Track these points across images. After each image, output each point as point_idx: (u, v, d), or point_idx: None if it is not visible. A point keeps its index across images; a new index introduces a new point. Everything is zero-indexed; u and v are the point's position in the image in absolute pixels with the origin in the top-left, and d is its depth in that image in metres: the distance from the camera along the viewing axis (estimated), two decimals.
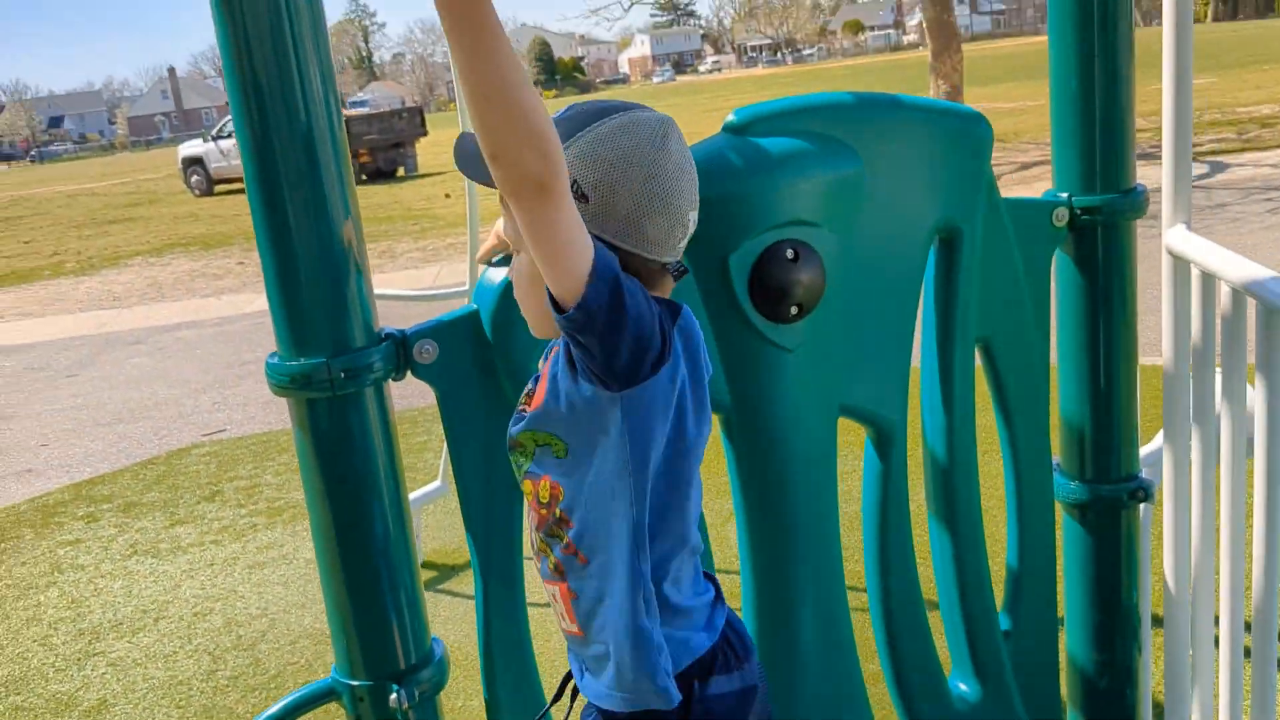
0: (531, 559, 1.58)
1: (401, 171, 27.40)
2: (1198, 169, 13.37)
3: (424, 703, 1.73)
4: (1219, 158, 14.24)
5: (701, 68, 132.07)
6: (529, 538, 1.57)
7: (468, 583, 3.99)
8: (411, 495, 4.46)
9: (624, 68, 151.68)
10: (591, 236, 1.26)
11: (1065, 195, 2.12)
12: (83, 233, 21.83)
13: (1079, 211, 2.10)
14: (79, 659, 4.07)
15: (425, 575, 4.43)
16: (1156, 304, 2.13)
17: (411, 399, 6.33)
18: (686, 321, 1.42)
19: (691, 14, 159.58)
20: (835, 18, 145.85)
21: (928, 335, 2.10)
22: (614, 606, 1.44)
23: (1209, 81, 24.76)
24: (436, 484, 4.52)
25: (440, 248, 14.69)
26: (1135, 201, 2.07)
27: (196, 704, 3.62)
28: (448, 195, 20.50)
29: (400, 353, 1.69)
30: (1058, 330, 2.23)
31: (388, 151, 27.19)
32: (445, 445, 1.72)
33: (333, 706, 1.77)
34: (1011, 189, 12.01)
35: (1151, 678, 2.47)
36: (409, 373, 1.71)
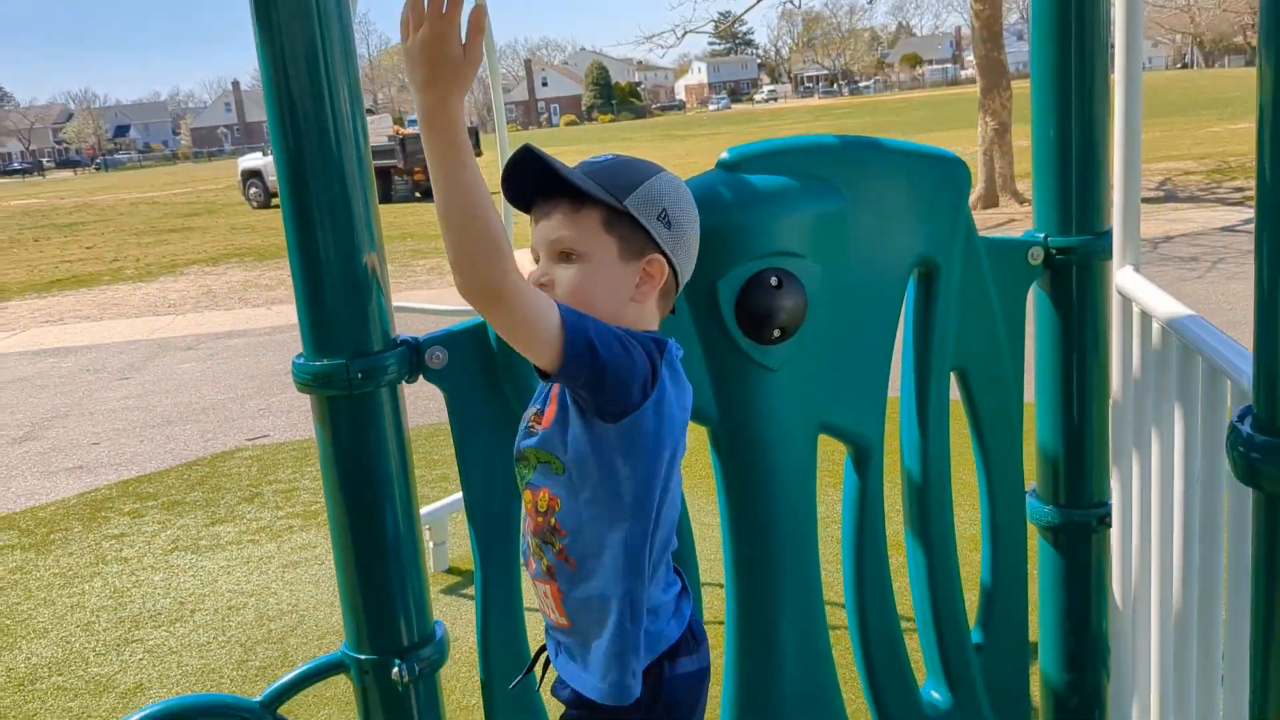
0: (524, 561, 1.75)
1: None
2: (1230, 216, 13.37)
3: (424, 677, 1.90)
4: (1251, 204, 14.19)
5: (758, 96, 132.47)
6: (525, 540, 1.74)
7: None
8: (440, 503, 4.67)
9: (680, 94, 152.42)
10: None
11: (1042, 235, 2.26)
12: (142, 240, 22.38)
13: (1054, 251, 2.25)
14: (118, 645, 4.28)
15: (450, 580, 4.62)
16: None
17: (441, 414, 6.52)
18: (670, 353, 1.61)
19: (749, 43, 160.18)
20: (894, 50, 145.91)
21: (906, 362, 2.25)
22: (601, 609, 1.62)
23: (1243, 128, 24.60)
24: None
25: None
26: (1108, 244, 2.21)
27: (227, 691, 3.82)
28: None
29: (413, 358, 1.87)
30: (1035, 363, 2.37)
31: None
32: None
33: (347, 697, 1.94)
34: None
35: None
36: (421, 376, 1.88)
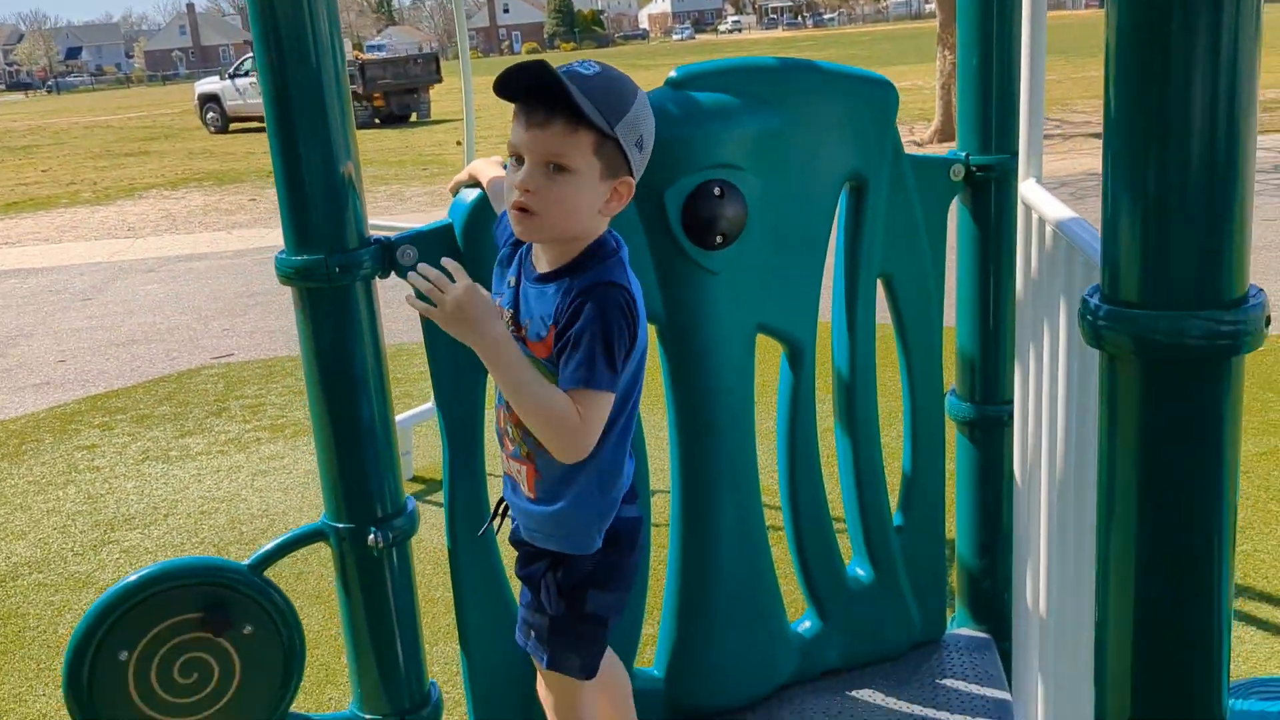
0: (500, 442, 1.95)
1: (415, 117, 27.65)
2: None
3: (397, 545, 2.12)
4: None
5: (722, 27, 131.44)
6: (500, 427, 1.94)
7: None
8: (404, 415, 4.87)
9: (644, 23, 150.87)
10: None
11: (963, 154, 2.47)
12: (99, 164, 22.16)
13: (974, 169, 2.46)
14: (95, 546, 4.47)
15: (415, 488, 4.84)
16: None
17: (412, 334, 6.69)
18: (623, 257, 1.82)
19: None
20: None
21: (837, 268, 2.46)
22: (573, 485, 1.85)
23: None
24: (428, 405, 4.92)
25: (449, 193, 14.99)
26: None
27: None
28: (459, 143, 20.75)
29: (386, 256, 2.05)
30: (956, 272, 2.59)
31: (402, 96, 27.44)
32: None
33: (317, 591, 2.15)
34: None
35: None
36: (393, 272, 2.07)
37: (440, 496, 2.26)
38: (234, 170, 19.50)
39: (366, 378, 2.06)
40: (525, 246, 1.87)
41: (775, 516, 2.57)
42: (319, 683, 3.34)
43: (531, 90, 1.71)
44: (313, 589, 3.86)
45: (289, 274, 1.98)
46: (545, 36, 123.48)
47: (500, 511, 1.99)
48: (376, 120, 26.40)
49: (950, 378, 2.70)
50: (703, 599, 2.43)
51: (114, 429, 6.01)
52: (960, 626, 2.79)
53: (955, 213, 2.54)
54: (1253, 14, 1.06)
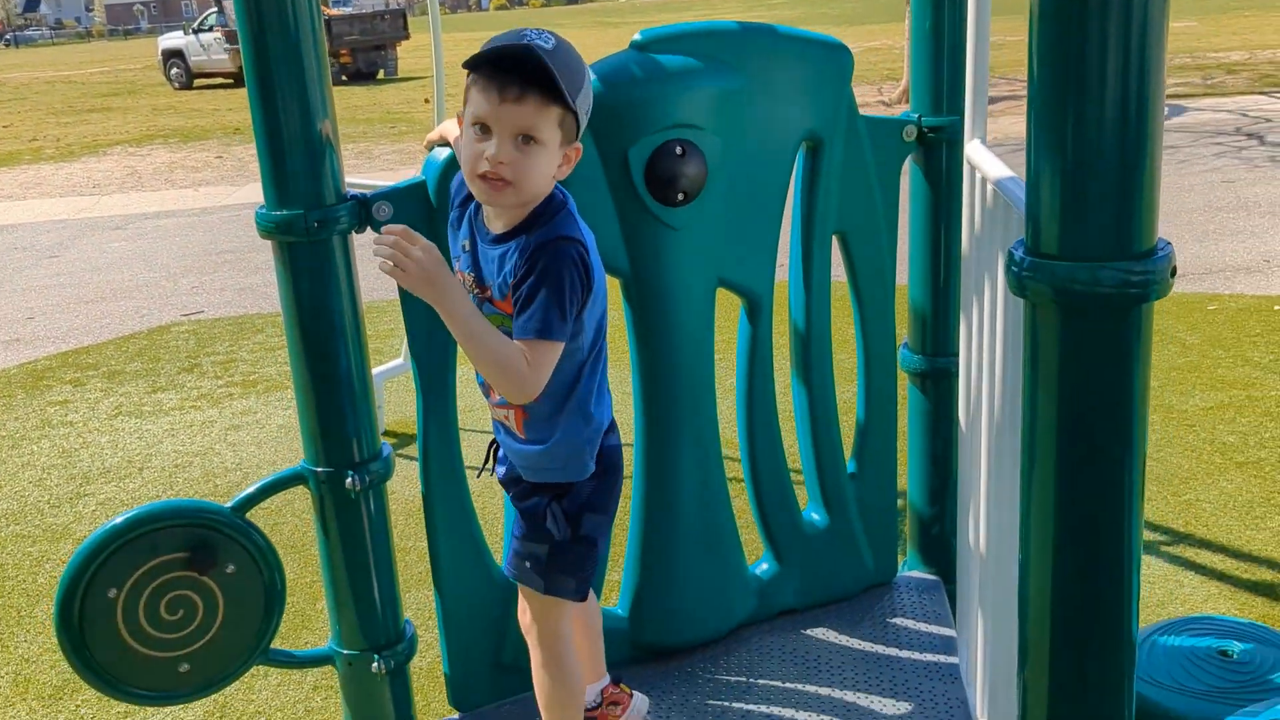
0: (484, 390, 2.05)
1: (382, 74, 27.44)
2: None
3: (373, 487, 2.22)
4: (1180, 101, 14.66)
5: None
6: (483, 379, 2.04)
7: None
8: (376, 370, 4.95)
9: None
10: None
11: (916, 115, 2.58)
12: (62, 120, 21.91)
13: (926, 130, 2.57)
14: (71, 499, 4.55)
15: (387, 442, 4.92)
16: None
17: (381, 292, 6.76)
18: (572, 208, 1.93)
19: None
20: None
21: (794, 226, 2.57)
22: (561, 419, 1.99)
23: (1187, 25, 25.05)
24: (398, 361, 5.00)
25: (418, 151, 14.96)
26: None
27: None
28: (427, 100, 20.66)
29: (362, 211, 2.14)
30: (909, 229, 2.70)
31: (368, 53, 27.21)
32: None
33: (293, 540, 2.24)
34: None
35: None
36: (369, 228, 2.16)
37: (412, 450, 2.36)
38: (199, 127, 19.34)
39: (344, 328, 2.15)
40: (472, 207, 1.98)
41: (735, 469, 2.68)
42: (295, 628, 3.45)
43: (502, 64, 1.79)
44: (287, 539, 3.96)
45: (269, 228, 2.06)
46: None
47: (493, 453, 2.12)
48: (344, 77, 26.17)
49: (903, 331, 2.82)
50: (664, 542, 2.55)
51: (86, 385, 6.06)
52: (911, 569, 2.93)
53: (909, 172, 2.65)
54: None
